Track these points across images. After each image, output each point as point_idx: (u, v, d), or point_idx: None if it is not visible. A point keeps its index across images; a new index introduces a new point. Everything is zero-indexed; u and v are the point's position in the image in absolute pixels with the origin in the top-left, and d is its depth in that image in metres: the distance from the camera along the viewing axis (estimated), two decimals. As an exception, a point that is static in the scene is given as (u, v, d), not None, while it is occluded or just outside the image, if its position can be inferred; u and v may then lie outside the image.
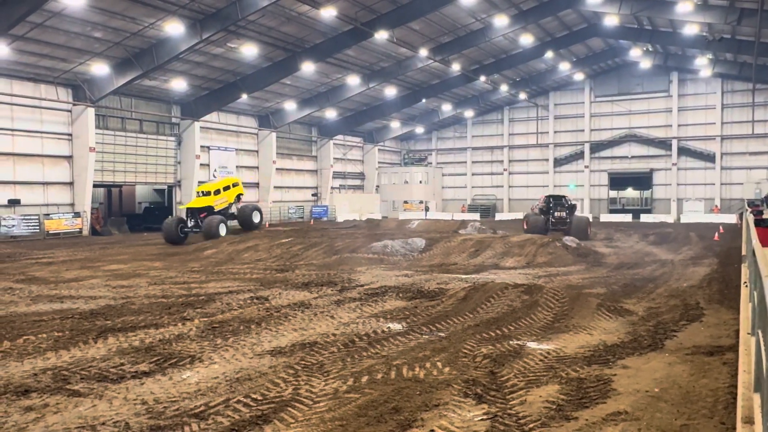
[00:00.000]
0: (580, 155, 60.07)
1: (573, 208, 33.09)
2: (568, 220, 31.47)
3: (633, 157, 57.87)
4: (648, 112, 56.82)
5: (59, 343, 9.37)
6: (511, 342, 9.35)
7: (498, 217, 57.75)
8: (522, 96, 57.82)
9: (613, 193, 59.84)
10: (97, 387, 7.33)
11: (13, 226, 31.96)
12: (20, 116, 33.09)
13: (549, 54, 47.63)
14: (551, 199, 33.11)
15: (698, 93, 54.80)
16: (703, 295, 13.92)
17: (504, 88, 53.93)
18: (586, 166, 59.56)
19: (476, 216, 54.33)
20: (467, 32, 40.55)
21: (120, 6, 28.15)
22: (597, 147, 59.41)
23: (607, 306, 11.97)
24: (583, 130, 59.70)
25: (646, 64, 53.17)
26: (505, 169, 63.66)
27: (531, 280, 16.40)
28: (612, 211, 57.33)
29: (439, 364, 8.16)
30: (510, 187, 63.29)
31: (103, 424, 6.17)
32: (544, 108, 61.12)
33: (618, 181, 59.13)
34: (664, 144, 56.36)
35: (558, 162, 61.19)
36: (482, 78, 48.61)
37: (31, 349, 9.03)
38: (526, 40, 42.95)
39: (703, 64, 49.45)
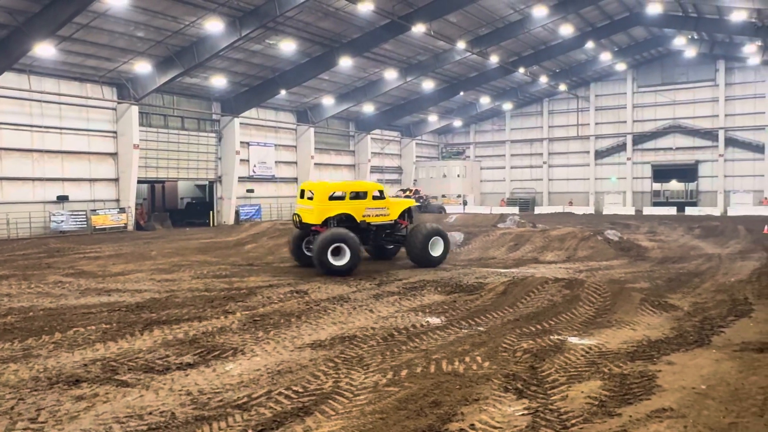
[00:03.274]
0: (622, 147, 58.77)
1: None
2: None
3: (677, 148, 56.30)
4: (693, 102, 55.18)
5: (107, 335, 9.67)
6: (551, 337, 9.25)
7: (537, 210, 57.10)
8: (562, 87, 56.84)
9: (657, 186, 58.32)
10: (144, 378, 7.54)
11: (62, 221, 33.02)
12: (68, 115, 34.09)
13: (590, 44, 46.66)
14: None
15: (746, 81, 52.94)
16: (752, 290, 13.51)
17: (543, 79, 53.10)
18: (629, 158, 58.25)
19: (515, 210, 53.78)
20: (505, 24, 40.04)
21: (161, 5, 28.70)
22: (640, 138, 58.01)
23: (651, 301, 11.73)
24: (625, 122, 58.39)
25: (691, 52, 51.59)
26: (544, 162, 62.71)
27: (572, 274, 16.17)
28: (656, 204, 56.02)
29: (478, 358, 8.13)
30: (550, 180, 62.35)
31: (150, 413, 6.35)
32: (584, 99, 59.97)
33: (662, 173, 57.62)
34: (710, 135, 54.68)
35: (599, 154, 59.98)
36: (521, 70, 47.96)
37: (81, 341, 9.34)
38: (566, 30, 42.17)
39: (751, 51, 47.69)
